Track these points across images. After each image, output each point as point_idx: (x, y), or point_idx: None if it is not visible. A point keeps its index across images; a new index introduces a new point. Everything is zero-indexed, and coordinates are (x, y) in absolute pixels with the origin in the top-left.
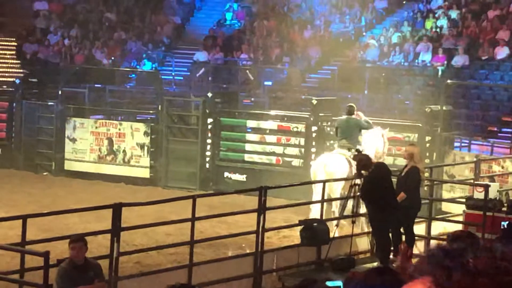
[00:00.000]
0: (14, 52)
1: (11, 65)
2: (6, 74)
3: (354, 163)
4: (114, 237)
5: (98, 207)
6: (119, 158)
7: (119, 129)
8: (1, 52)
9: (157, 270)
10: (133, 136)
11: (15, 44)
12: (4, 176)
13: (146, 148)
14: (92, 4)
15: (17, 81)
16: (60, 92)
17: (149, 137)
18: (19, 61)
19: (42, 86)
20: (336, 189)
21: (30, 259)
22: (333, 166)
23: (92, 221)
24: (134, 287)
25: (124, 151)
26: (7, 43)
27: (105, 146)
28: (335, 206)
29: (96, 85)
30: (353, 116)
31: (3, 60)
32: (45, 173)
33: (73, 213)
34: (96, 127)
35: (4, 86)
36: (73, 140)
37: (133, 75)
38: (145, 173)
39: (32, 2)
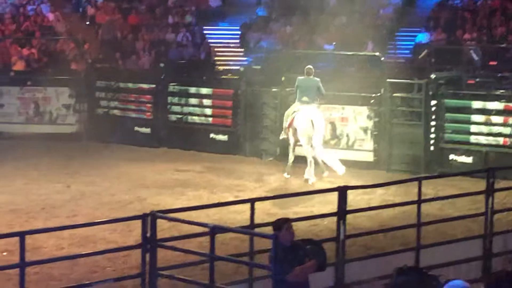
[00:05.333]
0: (238, 41)
1: (235, 54)
2: (231, 63)
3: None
4: (340, 220)
5: (322, 190)
6: (343, 142)
7: (342, 114)
8: (225, 41)
9: (384, 252)
10: (356, 120)
11: (239, 32)
12: (231, 162)
13: (369, 132)
14: None
15: (241, 69)
16: (283, 78)
17: (372, 121)
18: (242, 49)
19: (266, 73)
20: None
21: (258, 242)
22: (320, 119)
23: (316, 205)
24: (361, 270)
25: (347, 135)
26: (231, 32)
27: (328, 130)
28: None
29: (318, 70)
30: (311, 77)
31: (228, 49)
32: (270, 159)
33: (299, 197)
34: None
35: (229, 74)
36: None
37: (354, 59)
38: (369, 157)
39: None
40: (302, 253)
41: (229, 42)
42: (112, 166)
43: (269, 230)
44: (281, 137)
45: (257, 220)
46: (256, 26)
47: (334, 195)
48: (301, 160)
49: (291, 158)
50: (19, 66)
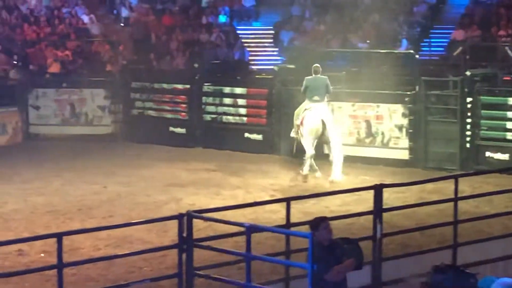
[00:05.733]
0: (271, 40)
1: (269, 53)
2: (265, 62)
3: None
4: (376, 218)
5: (358, 188)
6: (378, 140)
7: (377, 112)
8: (259, 40)
9: (421, 251)
10: (391, 118)
11: (273, 32)
12: (266, 162)
13: (404, 129)
14: None
15: (275, 68)
16: None
17: (407, 119)
18: (276, 49)
19: (300, 72)
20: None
21: (295, 241)
22: (328, 114)
23: (352, 203)
24: (398, 268)
25: (382, 133)
26: (265, 32)
27: (363, 128)
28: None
29: (352, 69)
30: (319, 75)
31: (262, 48)
32: (304, 158)
33: (333, 196)
34: (354, 110)
35: (263, 74)
36: None
37: (389, 57)
38: (404, 155)
39: None
40: (340, 252)
41: (263, 41)
42: (148, 167)
43: (305, 229)
44: (292, 135)
45: (293, 219)
46: (289, 25)
47: (370, 194)
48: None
49: (311, 154)
50: (55, 68)
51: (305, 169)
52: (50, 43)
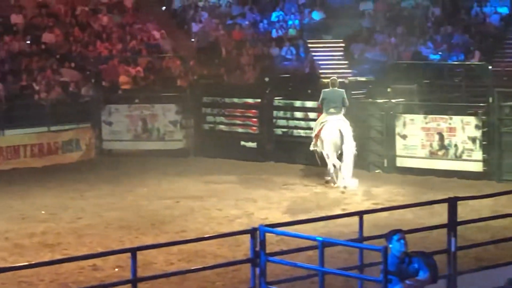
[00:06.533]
0: (342, 53)
1: (340, 66)
2: (336, 75)
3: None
4: (450, 232)
5: (432, 201)
6: (451, 152)
7: (450, 124)
8: (329, 53)
9: (496, 264)
10: (464, 130)
11: (343, 45)
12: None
13: (478, 141)
14: (417, 0)
15: (346, 81)
16: (388, 90)
17: (480, 131)
18: (347, 61)
19: (370, 84)
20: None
21: (368, 255)
22: (345, 125)
23: (425, 216)
24: (473, 282)
25: (455, 145)
26: (335, 44)
27: (436, 141)
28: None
29: (424, 81)
30: (336, 88)
31: (332, 61)
32: (377, 171)
33: (406, 209)
34: (426, 123)
35: None
36: (404, 137)
37: (461, 69)
38: (478, 167)
39: (357, 3)
40: (415, 265)
41: (333, 54)
42: (219, 181)
43: (378, 242)
44: (311, 148)
45: (365, 232)
46: (360, 38)
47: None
48: None
49: (331, 167)
50: (127, 84)
51: (339, 182)
52: (122, 59)
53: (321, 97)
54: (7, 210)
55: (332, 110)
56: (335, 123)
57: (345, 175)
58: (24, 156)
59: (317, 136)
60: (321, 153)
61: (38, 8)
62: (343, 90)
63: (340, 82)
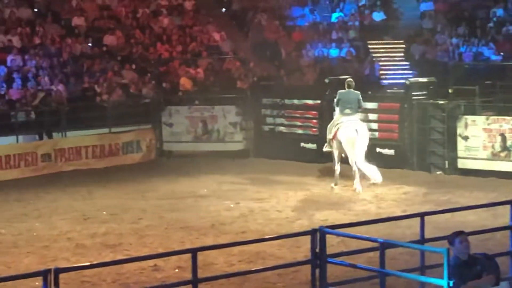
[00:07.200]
0: (402, 54)
1: (400, 67)
2: (396, 76)
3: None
4: None
5: (495, 203)
6: None
7: None
8: (390, 54)
9: None
10: None
11: (403, 46)
12: (398, 177)
13: None
14: (479, 0)
15: (407, 82)
16: (450, 91)
17: None
18: (407, 63)
19: (432, 86)
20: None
21: (429, 256)
22: (364, 129)
23: (488, 218)
24: None
25: None
26: (395, 45)
27: (498, 142)
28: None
29: (486, 82)
30: (352, 90)
31: (393, 62)
32: (438, 172)
33: (468, 211)
34: (488, 124)
35: (395, 88)
36: (465, 138)
37: None
38: None
39: (418, 3)
40: (479, 267)
41: (394, 55)
42: (279, 182)
43: (440, 244)
44: (324, 150)
45: (427, 234)
46: (420, 39)
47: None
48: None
49: (337, 169)
50: (187, 86)
51: (356, 185)
52: (182, 61)
53: (336, 98)
54: (69, 210)
55: (347, 111)
56: (352, 124)
57: (372, 172)
58: (86, 157)
59: (334, 138)
60: (337, 156)
61: (100, 10)
62: (359, 92)
63: (405, 83)
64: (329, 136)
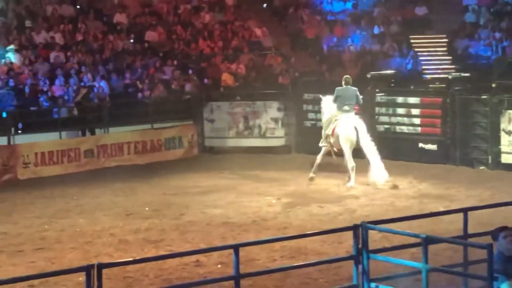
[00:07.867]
0: (445, 49)
1: (443, 61)
2: (439, 71)
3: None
4: None
5: None
6: None
7: None
8: (433, 49)
9: None
10: None
11: (446, 40)
12: (441, 172)
13: None
14: None
15: (450, 77)
16: (493, 85)
17: None
18: (450, 57)
19: (475, 80)
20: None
21: (473, 252)
22: (362, 125)
23: None
24: None
25: None
26: (438, 40)
27: None
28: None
29: None
30: (350, 86)
31: (435, 57)
32: (481, 167)
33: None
34: None
35: (437, 83)
36: (509, 133)
37: None
38: None
39: None
40: None
41: (436, 49)
42: (320, 178)
43: (483, 239)
44: (320, 145)
45: (470, 230)
46: (463, 33)
47: None
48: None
49: (319, 159)
50: (229, 81)
51: (351, 182)
52: (224, 57)
53: (334, 94)
54: (111, 206)
55: (345, 107)
56: (349, 120)
57: (380, 171)
58: (128, 153)
59: (332, 133)
60: (325, 150)
61: (142, 7)
62: (356, 88)
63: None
64: (328, 132)
